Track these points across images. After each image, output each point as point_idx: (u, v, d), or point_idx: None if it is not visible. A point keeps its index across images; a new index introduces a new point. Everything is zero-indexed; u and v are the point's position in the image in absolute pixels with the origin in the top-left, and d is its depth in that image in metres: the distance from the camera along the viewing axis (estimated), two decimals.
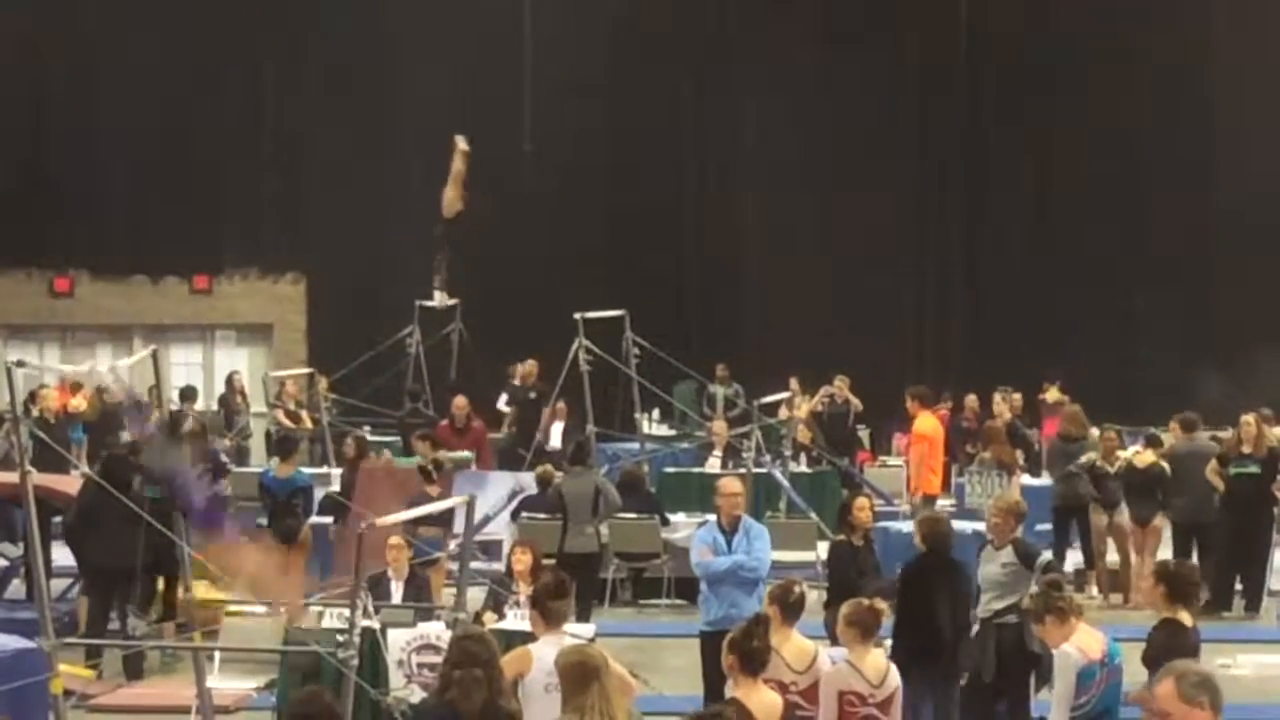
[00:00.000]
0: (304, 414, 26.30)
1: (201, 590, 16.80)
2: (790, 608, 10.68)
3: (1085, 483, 20.08)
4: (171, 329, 31.24)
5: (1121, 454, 20.36)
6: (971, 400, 26.60)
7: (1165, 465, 19.57)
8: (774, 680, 9.92)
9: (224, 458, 22.15)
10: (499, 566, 16.20)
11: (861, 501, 15.29)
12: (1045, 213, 30.26)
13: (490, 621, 13.92)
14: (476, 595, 14.51)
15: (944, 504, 22.61)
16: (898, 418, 24.71)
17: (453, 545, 17.11)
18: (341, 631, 11.53)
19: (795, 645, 10.55)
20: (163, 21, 30.13)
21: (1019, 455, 21.96)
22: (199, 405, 26.74)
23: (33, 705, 12.42)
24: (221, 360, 31.36)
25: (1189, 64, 30.12)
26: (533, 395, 26.46)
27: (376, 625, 13.16)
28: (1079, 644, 10.26)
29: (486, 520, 19.52)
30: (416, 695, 12.34)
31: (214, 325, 31.94)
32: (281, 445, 19.96)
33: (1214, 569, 19.29)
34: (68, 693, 12.29)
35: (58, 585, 17.92)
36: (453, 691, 8.30)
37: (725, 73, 30.57)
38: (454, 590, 12.64)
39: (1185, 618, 10.53)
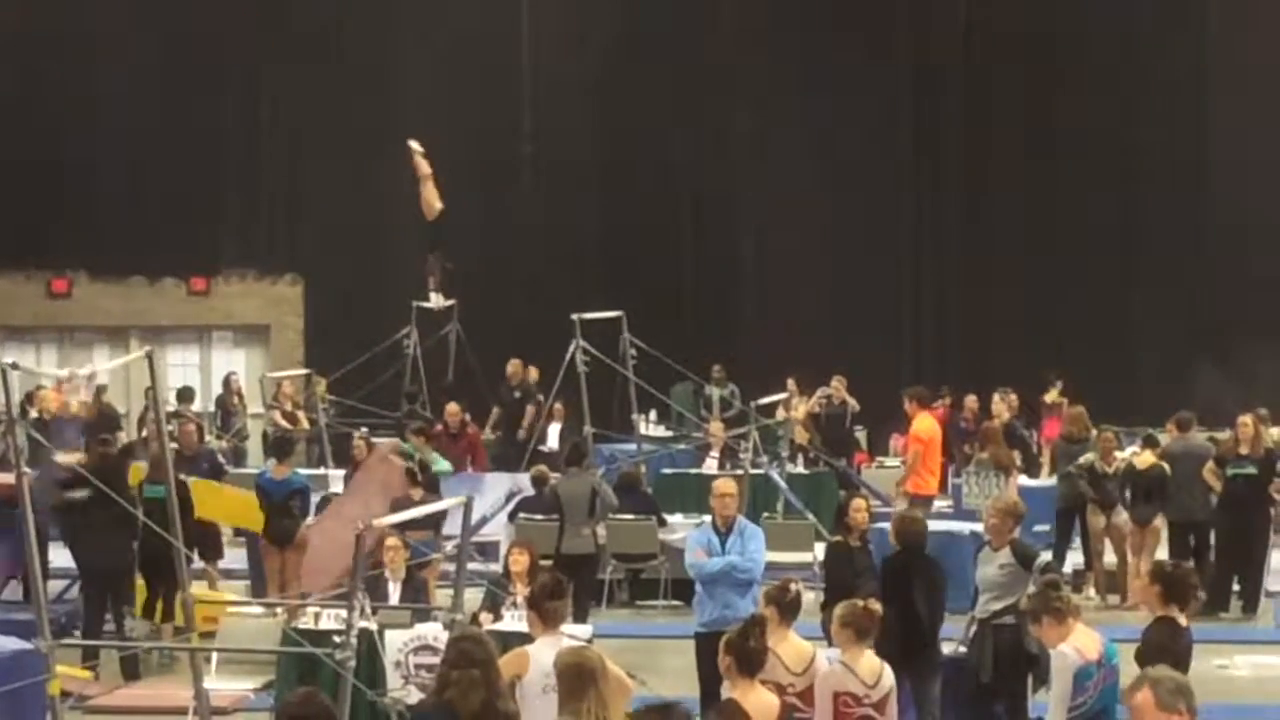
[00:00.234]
0: (301, 415, 26.29)
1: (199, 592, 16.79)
2: (787, 608, 10.68)
3: (1083, 483, 20.08)
4: (169, 330, 31.22)
5: (1119, 455, 20.37)
6: (971, 401, 26.61)
7: (1166, 467, 19.57)
8: (771, 681, 9.92)
9: (220, 458, 22.19)
10: (496, 568, 16.20)
11: (858, 503, 15.31)
12: (1045, 213, 30.24)
13: (487, 622, 13.93)
14: (474, 596, 14.51)
15: (941, 504, 22.65)
16: (896, 419, 24.70)
17: (449, 547, 17.11)
18: (339, 633, 11.53)
19: (793, 646, 10.54)
20: (163, 21, 30.12)
21: (1016, 456, 21.98)
22: (196, 407, 26.73)
23: (30, 707, 12.42)
24: (219, 361, 31.35)
25: (1189, 64, 30.12)
26: (517, 394, 26.58)
27: (374, 626, 13.16)
28: (1076, 644, 10.26)
29: (484, 521, 19.53)
30: (414, 696, 12.33)
31: (211, 326, 31.93)
32: (278, 446, 19.95)
33: (1211, 570, 19.32)
34: (65, 694, 12.26)
35: (55, 586, 17.94)
36: (450, 692, 8.30)
37: (725, 73, 30.55)
38: (450, 591, 12.62)
39: (1180, 618, 10.53)
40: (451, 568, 14.75)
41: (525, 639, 10.43)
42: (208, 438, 23.60)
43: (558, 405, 25.01)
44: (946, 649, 13.90)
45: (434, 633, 13.02)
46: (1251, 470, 19.24)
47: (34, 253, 30.96)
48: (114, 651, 16.01)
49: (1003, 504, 13.90)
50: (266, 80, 31.32)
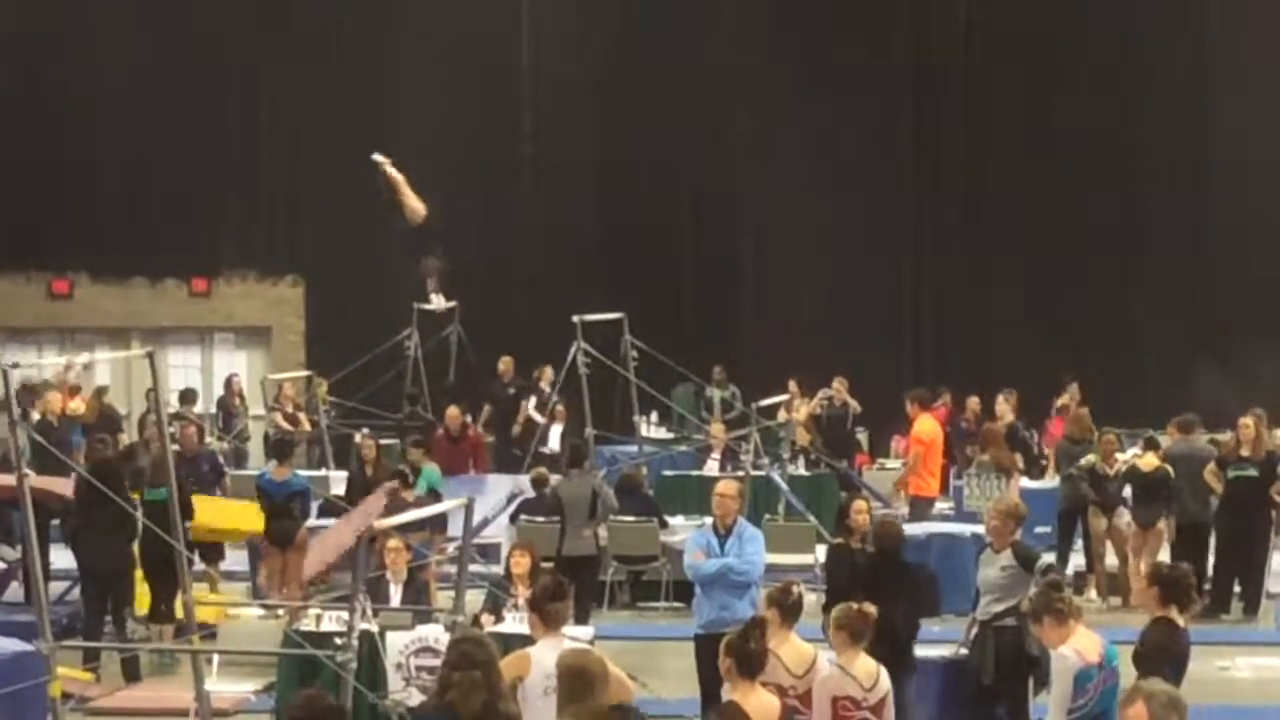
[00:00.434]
0: (302, 417, 26.29)
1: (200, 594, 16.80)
2: (789, 610, 10.67)
3: (1085, 485, 20.07)
4: (170, 331, 31.21)
5: (1120, 456, 20.37)
6: (973, 403, 26.61)
7: (1169, 469, 19.57)
8: (772, 683, 9.91)
9: (221, 460, 22.20)
10: (497, 569, 16.20)
11: (860, 504, 15.31)
12: (1045, 213, 30.24)
13: (489, 624, 13.93)
14: (475, 598, 14.51)
15: (942, 506, 22.66)
16: (897, 420, 24.71)
17: (451, 549, 17.11)
18: (340, 635, 11.54)
19: (794, 649, 10.53)
20: (163, 21, 30.11)
21: (1018, 458, 21.98)
22: (198, 408, 26.74)
23: (31, 708, 12.43)
24: (220, 363, 31.34)
25: (1189, 64, 30.11)
26: (511, 391, 26.64)
27: (375, 628, 13.16)
28: (1076, 646, 10.26)
29: (485, 523, 19.53)
30: (415, 698, 12.33)
31: (212, 328, 31.92)
32: (278, 448, 19.96)
33: (1211, 571, 19.32)
34: (66, 696, 12.28)
35: (56, 588, 17.95)
36: (451, 694, 8.30)
37: (725, 73, 30.55)
38: (451, 593, 12.63)
39: (1178, 619, 10.53)
40: (453, 569, 14.75)
41: (526, 641, 10.43)
42: (209, 439, 23.60)
43: (559, 407, 25.04)
44: (947, 651, 13.92)
45: (435, 635, 13.02)
46: (1252, 472, 19.23)
47: (35, 254, 30.96)
48: (115, 653, 16.01)
49: (1004, 506, 13.90)
50: (266, 80, 31.32)
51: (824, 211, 29.73)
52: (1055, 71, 30.15)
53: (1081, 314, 29.63)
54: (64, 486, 17.49)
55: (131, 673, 16.42)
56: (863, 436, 27.79)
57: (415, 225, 26.33)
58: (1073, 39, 30.21)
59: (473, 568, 12.81)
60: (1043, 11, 30.28)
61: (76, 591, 17.51)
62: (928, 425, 21.48)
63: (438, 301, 27.46)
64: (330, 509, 19.61)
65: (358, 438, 22.02)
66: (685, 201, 31.28)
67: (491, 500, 20.92)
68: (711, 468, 23.27)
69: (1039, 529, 19.52)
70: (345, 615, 12.05)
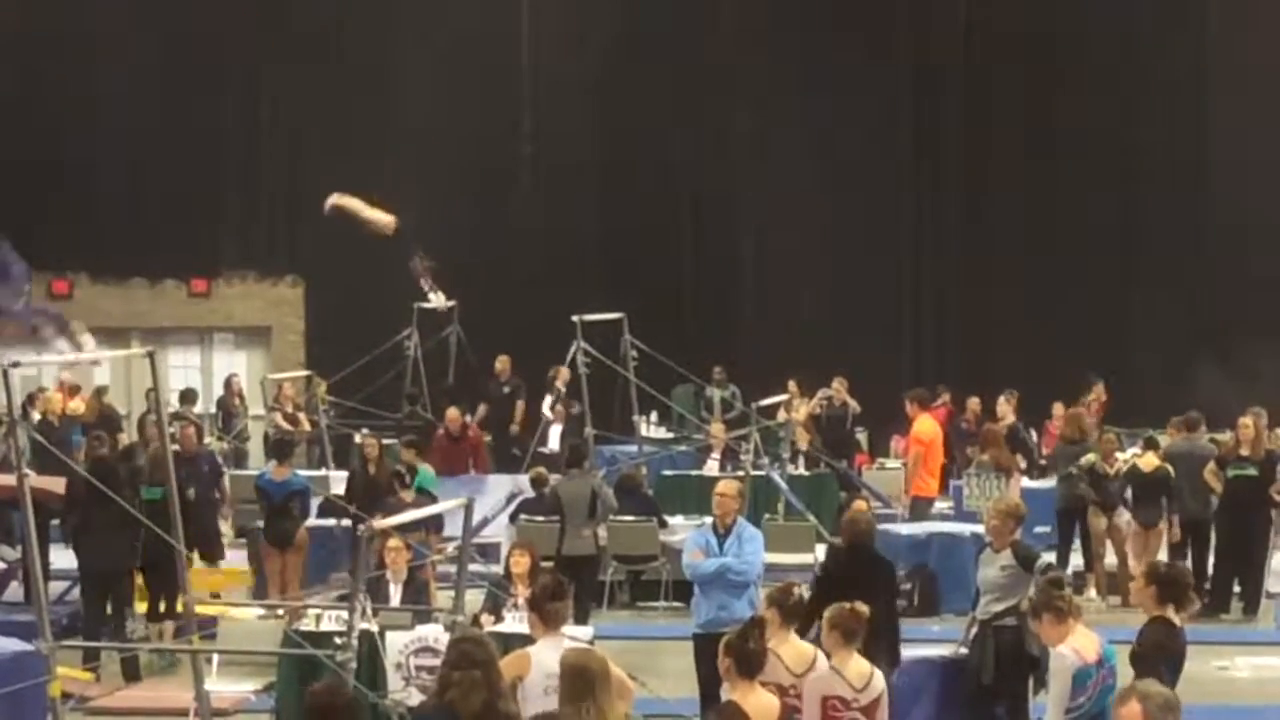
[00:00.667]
0: (302, 417, 26.29)
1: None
2: (789, 610, 10.66)
3: (1084, 485, 20.08)
4: (170, 332, 31.21)
5: (1120, 456, 20.37)
6: (974, 403, 26.62)
7: (1170, 468, 19.57)
8: (772, 683, 9.91)
9: (220, 460, 22.19)
10: (497, 569, 16.21)
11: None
12: (1045, 213, 30.24)
13: (488, 624, 13.93)
14: (475, 598, 14.51)
15: (941, 506, 22.67)
16: (896, 420, 24.71)
17: (451, 548, 17.10)
18: (339, 634, 11.54)
19: (794, 648, 10.52)
20: (163, 21, 30.11)
21: (1019, 458, 21.99)
22: (197, 408, 26.75)
23: (31, 708, 12.42)
24: (220, 363, 31.35)
25: (1189, 64, 30.11)
26: (506, 390, 26.65)
27: (375, 628, 13.17)
28: (1074, 645, 10.27)
29: (485, 523, 19.53)
30: (415, 698, 12.33)
31: (212, 328, 31.93)
32: (277, 448, 19.96)
33: (1210, 570, 19.33)
34: (66, 695, 12.27)
35: (56, 588, 17.95)
36: (451, 693, 8.30)
37: (725, 73, 30.55)
38: (451, 593, 12.62)
39: (1175, 618, 10.53)
40: (452, 569, 14.75)
41: (526, 640, 10.43)
42: (208, 439, 23.60)
43: (558, 407, 25.03)
44: (947, 650, 13.93)
45: (435, 634, 13.02)
46: (1252, 471, 19.24)
47: (34, 254, 30.87)
48: (114, 653, 16.01)
49: (1004, 505, 13.90)
50: (266, 80, 31.31)
51: (824, 211, 29.73)
52: (1055, 71, 30.15)
53: (1081, 314, 29.62)
54: (64, 487, 17.50)
55: (131, 672, 16.42)
56: (862, 436, 27.80)
57: (390, 235, 26.32)
58: (1073, 39, 30.21)
59: (472, 567, 12.81)
60: (1043, 11, 30.29)
61: (76, 591, 17.51)
62: (927, 425, 21.49)
63: (437, 299, 27.46)
64: (330, 508, 19.60)
65: (358, 437, 22.02)
66: (685, 201, 31.28)
67: (491, 500, 20.93)
68: (711, 468, 23.28)
69: (1038, 529, 19.54)
70: (345, 615, 12.05)
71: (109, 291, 31.24)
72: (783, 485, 21.95)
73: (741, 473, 20.66)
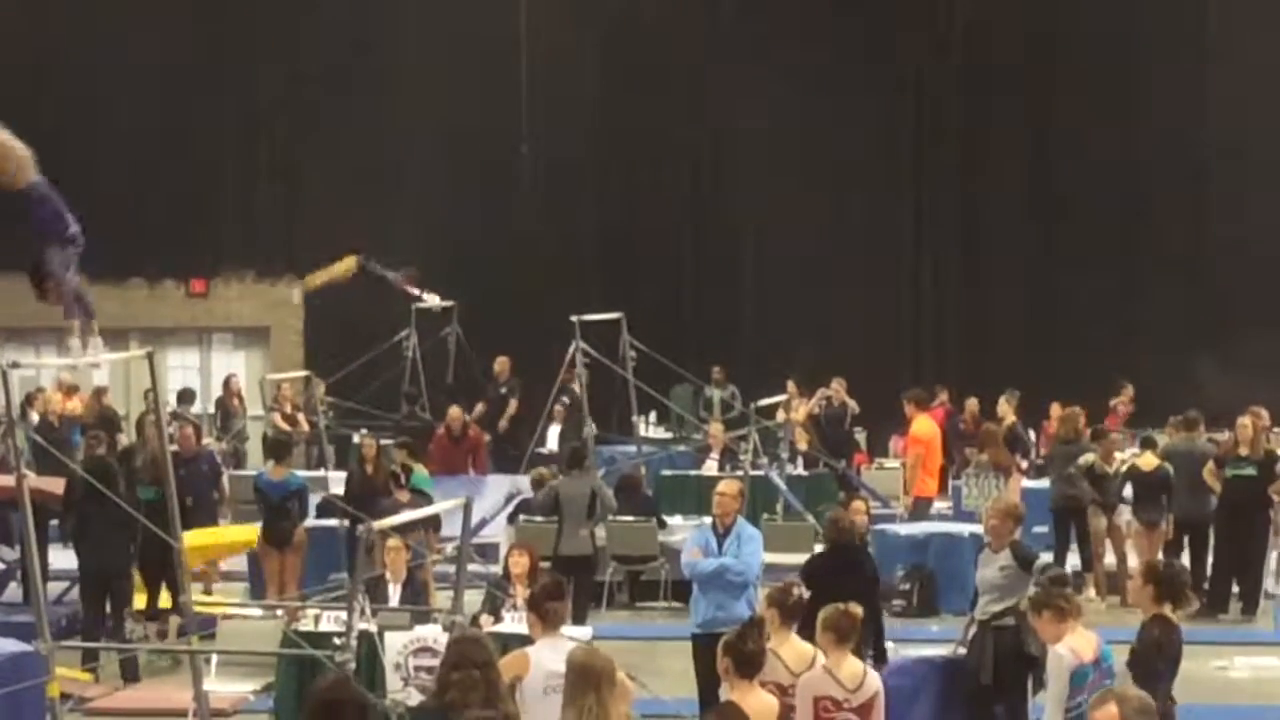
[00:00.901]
0: (301, 417, 26.29)
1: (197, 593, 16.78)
2: (789, 610, 10.65)
3: (1085, 484, 20.07)
4: (169, 332, 31.19)
5: (1120, 456, 20.37)
6: (972, 404, 26.63)
7: (1169, 467, 19.57)
8: (772, 683, 9.90)
9: (219, 460, 22.19)
10: (496, 570, 16.21)
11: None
12: (1045, 213, 30.25)
13: (487, 624, 13.92)
14: (474, 598, 14.51)
15: (940, 506, 22.67)
16: (895, 420, 24.71)
17: (450, 549, 17.10)
18: (338, 635, 11.53)
19: (794, 648, 10.51)
20: (163, 21, 30.09)
21: (1018, 458, 21.98)
22: (196, 409, 26.74)
23: (30, 709, 12.41)
24: (218, 364, 31.34)
25: (1189, 64, 30.10)
26: (504, 390, 26.66)
27: (374, 628, 13.16)
28: (1072, 645, 10.28)
29: (484, 523, 19.52)
30: (414, 698, 12.33)
31: (211, 329, 31.92)
32: (275, 448, 19.93)
33: (1209, 570, 19.33)
34: (65, 696, 12.26)
35: (55, 588, 17.95)
36: (450, 694, 8.29)
37: (724, 73, 30.55)
38: (450, 593, 12.62)
39: (1172, 616, 10.53)
40: (451, 569, 14.75)
41: (525, 641, 10.43)
42: (207, 439, 23.60)
43: (557, 407, 25.03)
44: (945, 650, 13.93)
45: (434, 635, 13.02)
46: (1251, 471, 19.23)
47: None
48: (113, 653, 16.01)
49: (1003, 506, 13.90)
50: (266, 81, 31.29)
51: (824, 211, 29.74)
52: (1055, 71, 30.15)
53: (1081, 314, 29.63)
54: (63, 488, 17.49)
55: (130, 673, 16.41)
56: (861, 436, 27.81)
57: (359, 273, 26.49)
58: (1073, 39, 30.21)
59: (471, 568, 12.81)
60: (1043, 11, 30.30)
61: (75, 592, 17.50)
62: (925, 425, 21.49)
63: (432, 299, 27.50)
64: (328, 508, 19.60)
65: (357, 438, 22.02)
66: (685, 202, 31.28)
67: (490, 500, 20.92)
68: (710, 468, 23.27)
69: (1037, 529, 19.53)
70: (344, 615, 12.05)
71: (107, 292, 31.04)
72: (781, 485, 21.95)
73: (740, 473, 20.66)
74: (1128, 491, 19.88)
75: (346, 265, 26.51)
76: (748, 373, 27.97)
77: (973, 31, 30.83)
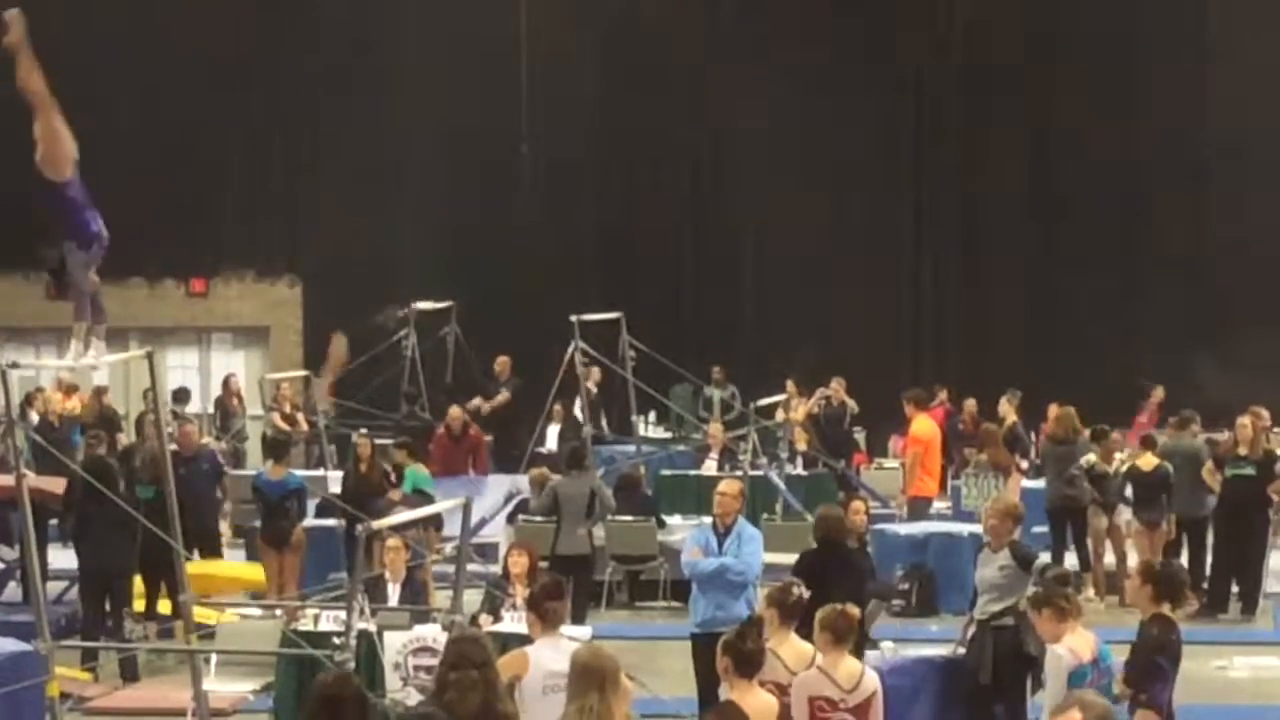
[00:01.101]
0: (300, 417, 26.29)
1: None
2: (789, 610, 10.65)
3: (1084, 484, 20.07)
4: (168, 332, 31.19)
5: (1119, 456, 20.37)
6: (970, 405, 26.61)
7: (1169, 467, 19.57)
8: (771, 682, 9.90)
9: (220, 458, 22.19)
10: (495, 569, 16.21)
11: (857, 504, 15.32)
12: (1045, 213, 30.25)
13: (486, 624, 13.92)
14: (473, 598, 14.51)
15: (939, 506, 22.66)
16: (895, 420, 24.70)
17: (449, 548, 17.10)
18: (338, 634, 11.53)
19: (793, 648, 10.51)
20: (162, 22, 30.08)
21: (1018, 458, 21.97)
22: (195, 408, 26.74)
23: (29, 708, 12.42)
24: (218, 363, 31.35)
25: (1189, 64, 30.10)
26: (504, 390, 26.68)
27: (373, 628, 13.16)
28: (1070, 645, 10.28)
29: (483, 523, 19.52)
30: (413, 698, 12.33)
31: (210, 328, 31.92)
32: (274, 448, 19.94)
33: (1208, 570, 19.33)
34: (64, 695, 12.27)
35: (54, 588, 17.95)
36: (449, 693, 8.28)
37: (724, 73, 30.54)
38: (449, 593, 12.63)
39: (1171, 616, 10.54)
40: (450, 569, 14.75)
41: (524, 640, 10.43)
42: (205, 439, 23.60)
43: (556, 407, 25.03)
44: (944, 650, 13.93)
45: (433, 634, 13.02)
46: (1250, 471, 19.22)
47: (32, 254, 30.87)
48: (113, 653, 16.01)
49: (1002, 505, 13.90)
50: (266, 80, 31.29)
51: (824, 211, 29.74)
52: (1055, 71, 30.16)
53: (1081, 314, 29.63)
54: (63, 487, 17.49)
55: (129, 672, 16.41)
56: (860, 436, 27.81)
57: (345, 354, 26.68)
58: (1073, 39, 30.22)
59: (470, 567, 12.81)
60: (1043, 11, 30.29)
61: (74, 591, 17.51)
62: (924, 425, 21.49)
63: (426, 304, 27.62)
64: (328, 508, 19.60)
65: (355, 437, 22.02)
66: (685, 201, 31.28)
67: (490, 500, 20.91)
68: (709, 467, 23.27)
69: (1037, 529, 19.53)
70: (343, 615, 12.05)
71: (107, 291, 30.61)
72: (781, 485, 21.95)
73: (740, 472, 20.66)
74: (1128, 491, 19.87)
75: (339, 344, 26.57)
76: (747, 373, 27.98)
77: (973, 31, 30.83)
